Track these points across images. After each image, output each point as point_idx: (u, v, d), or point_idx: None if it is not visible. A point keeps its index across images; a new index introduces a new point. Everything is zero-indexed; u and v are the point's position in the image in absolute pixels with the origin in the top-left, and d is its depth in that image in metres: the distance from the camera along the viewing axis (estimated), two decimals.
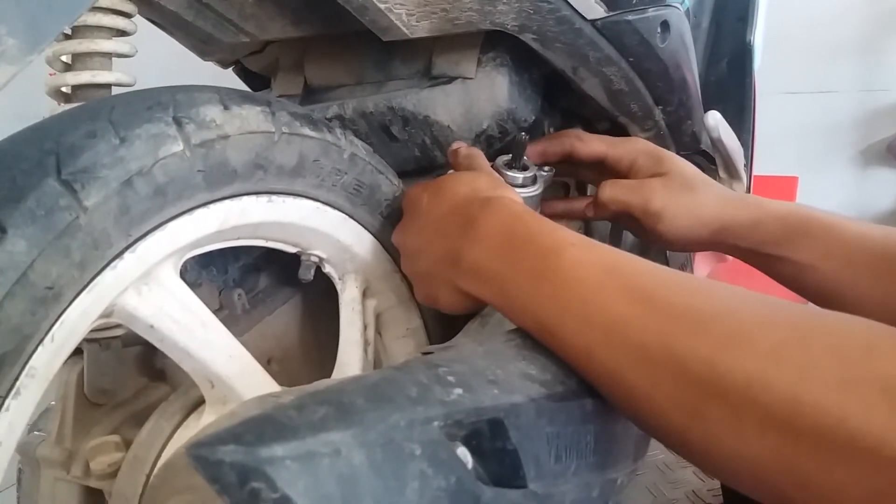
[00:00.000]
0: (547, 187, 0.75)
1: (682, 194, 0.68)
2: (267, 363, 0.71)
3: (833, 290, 0.64)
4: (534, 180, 0.73)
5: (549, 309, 0.46)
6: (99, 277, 0.43)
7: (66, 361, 0.47)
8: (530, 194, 0.72)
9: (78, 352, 0.62)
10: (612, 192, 0.71)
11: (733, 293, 0.42)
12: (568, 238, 0.49)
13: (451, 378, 0.39)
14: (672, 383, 0.39)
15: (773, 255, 0.67)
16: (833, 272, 0.63)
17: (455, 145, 0.71)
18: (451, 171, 0.69)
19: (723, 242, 0.69)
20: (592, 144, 0.74)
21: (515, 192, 0.63)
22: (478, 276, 0.52)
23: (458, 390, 0.37)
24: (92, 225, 0.41)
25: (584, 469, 0.45)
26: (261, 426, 0.28)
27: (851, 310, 0.58)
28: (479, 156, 0.67)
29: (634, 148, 0.72)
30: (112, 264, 0.44)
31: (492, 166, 0.71)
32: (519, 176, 0.72)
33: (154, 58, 0.92)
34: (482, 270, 0.52)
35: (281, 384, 0.61)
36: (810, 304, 0.63)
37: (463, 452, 0.37)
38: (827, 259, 0.63)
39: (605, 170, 0.75)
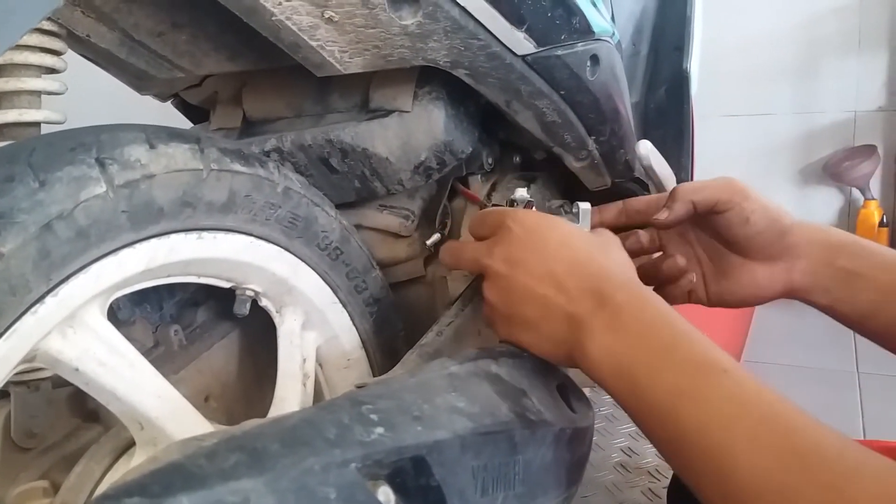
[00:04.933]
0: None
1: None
2: (205, 400, 0.70)
3: None
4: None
5: (688, 436, 0.43)
6: (17, 323, 0.42)
7: None
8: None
9: (4, 395, 0.61)
10: (690, 187, 0.65)
11: (874, 461, 0.38)
12: (720, 360, 0.45)
13: (373, 416, 0.39)
14: None
15: None
16: None
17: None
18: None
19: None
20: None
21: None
22: (604, 364, 0.49)
23: (380, 429, 0.38)
24: (8, 271, 0.41)
25: (513, 500, 0.46)
26: (168, 476, 0.28)
27: None
28: None
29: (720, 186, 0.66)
30: (32, 309, 0.43)
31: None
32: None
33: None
34: (613, 362, 0.48)
35: (219, 421, 0.60)
36: None
37: (385, 492, 0.37)
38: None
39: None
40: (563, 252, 0.54)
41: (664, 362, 0.46)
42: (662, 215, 0.66)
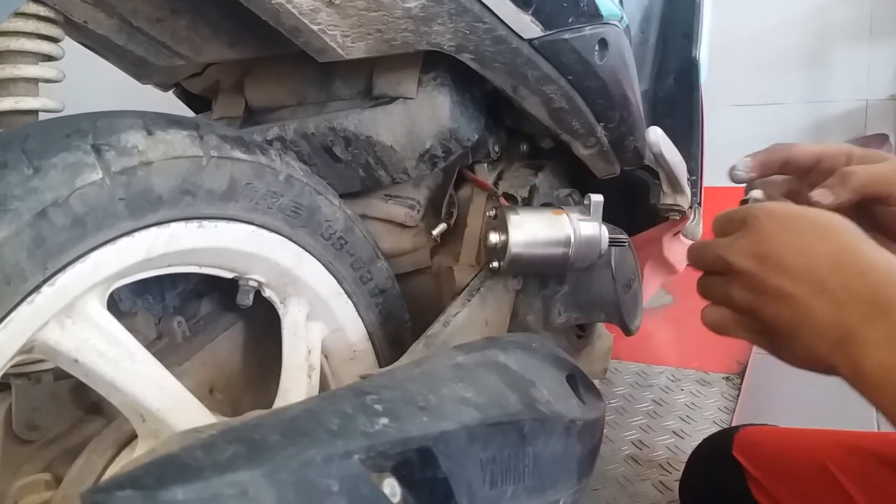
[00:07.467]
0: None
1: None
2: (209, 392, 0.69)
3: None
4: None
5: None
6: (13, 314, 0.42)
7: None
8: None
9: (6, 387, 0.60)
10: (866, 174, 0.56)
11: None
12: None
13: (378, 407, 0.38)
14: None
15: None
16: None
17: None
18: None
19: None
20: (806, 148, 0.61)
21: None
22: (887, 387, 0.42)
23: (385, 420, 0.37)
24: (2, 259, 0.40)
25: (523, 493, 0.45)
26: (163, 468, 0.27)
27: None
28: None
29: (840, 150, 0.59)
30: (28, 299, 0.42)
31: None
32: None
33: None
34: (886, 375, 0.41)
35: (225, 413, 0.59)
36: None
37: (390, 483, 0.36)
38: None
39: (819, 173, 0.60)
40: (824, 245, 0.46)
41: None
42: (826, 199, 0.55)
